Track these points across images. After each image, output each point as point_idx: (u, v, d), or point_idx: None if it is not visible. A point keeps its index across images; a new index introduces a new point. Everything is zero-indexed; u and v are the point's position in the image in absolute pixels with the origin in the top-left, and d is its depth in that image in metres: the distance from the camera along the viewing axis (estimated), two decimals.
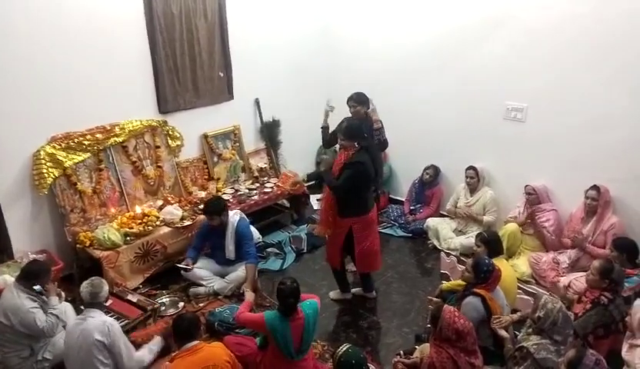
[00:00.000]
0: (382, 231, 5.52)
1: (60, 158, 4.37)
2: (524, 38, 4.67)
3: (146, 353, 3.43)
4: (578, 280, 4.06)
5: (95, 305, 3.21)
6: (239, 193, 5.46)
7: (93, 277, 3.31)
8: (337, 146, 4.41)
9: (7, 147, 4.16)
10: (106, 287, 3.28)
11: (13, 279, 3.76)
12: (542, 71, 4.62)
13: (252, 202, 5.33)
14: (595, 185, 4.33)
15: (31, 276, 3.38)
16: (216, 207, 4.43)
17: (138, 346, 3.48)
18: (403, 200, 5.97)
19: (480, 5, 4.89)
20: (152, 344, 3.50)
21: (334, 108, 4.59)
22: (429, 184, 5.65)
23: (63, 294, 3.73)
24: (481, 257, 3.58)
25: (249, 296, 3.78)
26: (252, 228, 4.77)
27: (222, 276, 4.54)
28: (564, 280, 4.21)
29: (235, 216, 4.56)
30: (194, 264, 4.48)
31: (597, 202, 4.31)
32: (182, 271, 4.46)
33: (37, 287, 3.36)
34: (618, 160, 4.32)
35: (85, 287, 3.23)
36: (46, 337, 3.42)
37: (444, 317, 2.94)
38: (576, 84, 4.44)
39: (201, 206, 4.95)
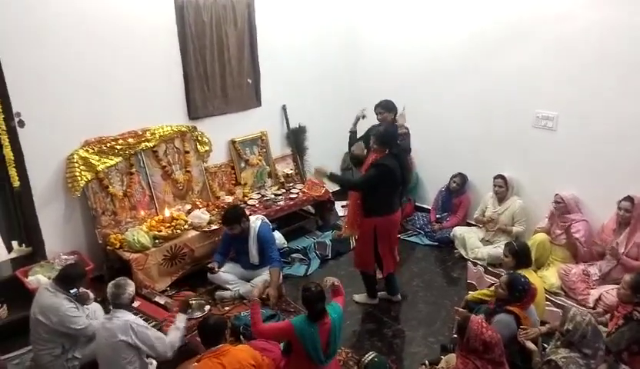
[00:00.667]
0: (408, 238, 5.52)
1: (93, 162, 4.49)
2: (553, 45, 4.59)
3: (175, 334, 3.43)
4: (609, 293, 3.97)
5: (121, 306, 3.27)
6: (265, 198, 5.51)
7: (119, 278, 3.37)
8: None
9: (42, 150, 4.30)
10: (130, 289, 3.29)
11: (46, 279, 3.89)
12: (573, 79, 4.54)
13: (278, 208, 5.37)
14: (628, 196, 4.21)
15: (69, 279, 3.46)
16: (233, 216, 4.46)
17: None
18: (429, 208, 5.92)
19: (509, 12, 4.84)
20: (177, 322, 3.52)
21: (365, 116, 4.67)
22: (456, 193, 5.60)
23: (92, 294, 3.82)
24: (517, 274, 3.48)
25: (256, 292, 3.74)
26: (277, 234, 4.82)
27: (248, 280, 4.58)
28: (594, 293, 4.12)
29: (256, 221, 4.60)
30: (220, 267, 4.53)
31: (630, 213, 4.19)
32: (208, 274, 4.51)
33: (74, 291, 3.46)
34: None
35: (109, 287, 3.29)
36: (84, 337, 3.50)
37: (471, 327, 2.89)
38: (607, 94, 4.35)
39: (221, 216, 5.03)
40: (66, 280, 3.46)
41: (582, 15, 4.34)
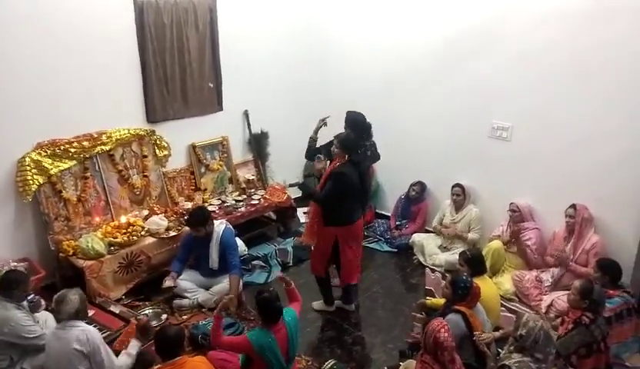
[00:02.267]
0: (368, 245, 5.54)
1: (45, 165, 4.33)
2: (509, 58, 4.76)
3: (125, 359, 3.33)
4: (560, 299, 4.12)
5: (71, 318, 3.15)
6: (226, 204, 5.45)
7: (61, 291, 3.22)
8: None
9: None
10: (72, 304, 3.11)
11: None
12: (527, 91, 4.72)
13: (239, 214, 5.31)
14: (572, 204, 4.42)
15: (10, 285, 3.31)
16: (199, 217, 4.40)
17: (117, 353, 3.40)
18: (389, 215, 6.00)
19: (467, 25, 4.98)
20: (130, 348, 3.40)
21: (326, 124, 4.65)
22: (415, 200, 5.69)
23: (43, 302, 3.68)
24: (460, 274, 3.60)
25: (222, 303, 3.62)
26: (238, 241, 4.75)
27: (207, 288, 4.50)
28: (546, 299, 4.27)
29: (220, 225, 4.54)
30: (178, 276, 4.44)
31: (574, 220, 4.39)
32: (164, 283, 4.37)
33: (30, 297, 3.37)
34: (600, 180, 4.40)
35: (53, 300, 3.18)
36: (34, 347, 3.35)
37: (432, 323, 2.99)
38: (560, 106, 4.54)
39: (187, 217, 4.95)
40: (7, 286, 3.30)
41: (540, 31, 4.51)
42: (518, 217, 4.76)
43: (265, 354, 3.13)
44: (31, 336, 3.29)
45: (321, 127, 4.70)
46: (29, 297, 3.40)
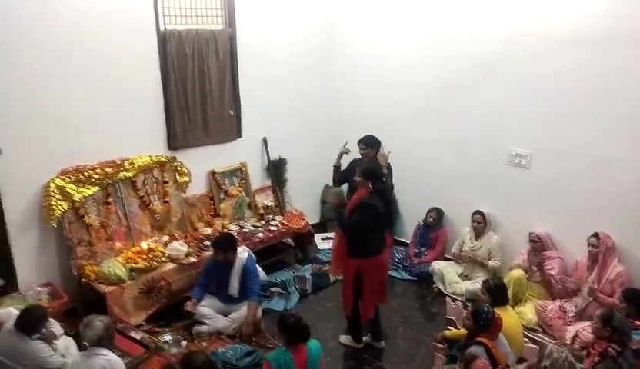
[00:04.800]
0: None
1: (69, 191, 4.39)
2: (525, 84, 4.76)
3: None
4: (585, 330, 4.02)
5: (99, 344, 3.17)
6: (244, 230, 5.47)
7: (91, 315, 3.28)
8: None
9: (18, 179, 4.20)
10: (96, 331, 3.15)
11: (17, 312, 3.74)
12: (544, 117, 4.71)
13: (257, 240, 5.33)
14: (595, 233, 4.36)
15: (31, 325, 3.37)
16: (228, 242, 4.47)
17: None
18: (408, 242, 5.97)
19: (481, 52, 5.01)
20: None
21: (349, 151, 4.74)
22: (433, 227, 5.66)
23: (60, 331, 3.70)
24: (481, 305, 3.55)
25: None
26: (257, 267, 4.76)
27: (226, 314, 4.50)
28: (571, 330, 4.18)
29: (243, 253, 4.57)
30: (199, 302, 4.44)
31: (597, 249, 4.33)
32: (185, 307, 4.39)
33: (44, 331, 3.38)
34: (623, 207, 4.34)
35: (80, 324, 3.23)
36: None
37: (476, 365, 2.95)
38: (578, 132, 4.51)
39: (207, 242, 4.98)
40: (29, 326, 3.36)
41: (556, 57, 4.51)
42: (539, 246, 4.71)
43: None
44: (55, 366, 3.32)
45: (342, 154, 4.82)
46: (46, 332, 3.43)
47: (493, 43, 4.91)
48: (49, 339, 3.46)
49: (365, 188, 3.97)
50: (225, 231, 5.20)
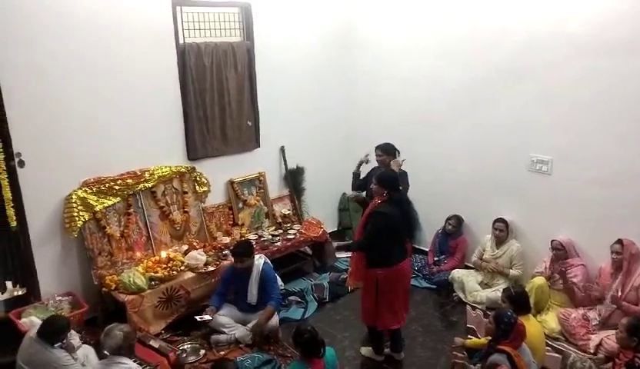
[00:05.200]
0: None
1: (91, 202, 4.48)
2: (548, 90, 4.70)
3: None
4: (610, 339, 3.93)
5: (118, 352, 3.21)
6: (262, 239, 5.50)
7: (113, 324, 3.34)
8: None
9: (41, 190, 4.30)
10: (115, 339, 3.22)
11: (40, 321, 3.82)
12: (566, 123, 4.63)
13: (275, 248, 5.34)
14: (619, 239, 4.25)
15: (54, 334, 3.42)
16: (247, 249, 4.49)
17: None
18: (427, 250, 5.92)
19: (502, 58, 4.96)
20: None
21: (369, 161, 4.81)
22: (453, 235, 5.60)
23: (78, 342, 3.74)
24: (504, 309, 3.50)
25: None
26: (276, 275, 4.77)
27: (244, 323, 4.51)
28: (595, 338, 4.08)
29: (259, 259, 4.59)
30: (217, 310, 4.47)
31: (621, 256, 4.21)
32: (198, 318, 4.38)
33: (65, 341, 3.43)
34: None
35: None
36: None
37: None
38: (601, 136, 4.42)
39: (226, 252, 5.02)
40: (51, 335, 3.41)
41: (578, 62, 4.45)
42: (562, 254, 4.61)
43: None
44: None
45: (362, 163, 4.88)
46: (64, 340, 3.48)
47: (514, 48, 4.85)
48: (69, 350, 3.51)
49: (379, 196, 3.93)
50: (243, 238, 5.22)
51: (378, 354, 4.27)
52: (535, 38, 4.69)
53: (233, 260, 4.52)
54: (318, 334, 3.32)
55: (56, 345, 3.41)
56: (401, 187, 4.14)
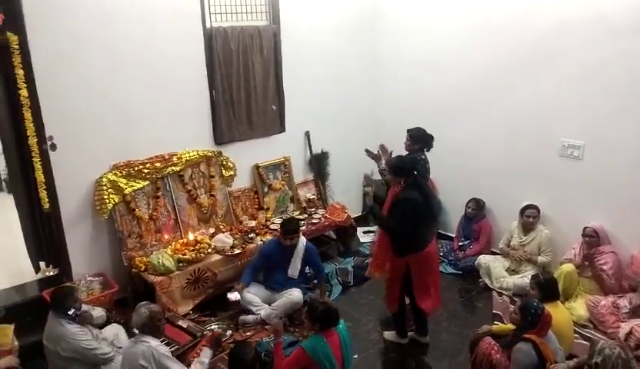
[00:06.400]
0: None
1: (121, 185, 4.57)
2: (578, 73, 4.59)
3: (197, 366, 3.42)
4: None
5: (144, 330, 3.28)
6: None
7: (144, 302, 3.41)
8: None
9: (72, 173, 4.39)
10: (140, 317, 3.26)
11: None
12: (599, 108, 4.51)
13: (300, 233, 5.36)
14: None
15: (59, 302, 3.45)
16: (296, 226, 4.67)
17: (189, 365, 3.49)
18: (452, 236, 5.88)
19: (533, 39, 4.85)
20: (202, 356, 3.48)
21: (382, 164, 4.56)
22: (475, 218, 5.56)
23: (99, 312, 3.83)
24: (531, 299, 3.45)
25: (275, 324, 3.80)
26: None
27: (269, 303, 4.57)
28: (625, 327, 4.01)
29: (302, 236, 4.75)
30: (246, 287, 4.54)
31: None
32: (228, 295, 4.43)
33: (72, 312, 3.45)
34: None
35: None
36: (102, 363, 3.48)
37: (481, 346, 2.89)
38: (634, 122, 4.31)
39: (252, 235, 5.11)
40: (58, 304, 3.45)
41: (611, 43, 4.32)
42: (594, 241, 4.50)
43: (319, 357, 3.23)
44: (90, 348, 3.41)
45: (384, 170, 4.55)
46: (70, 312, 3.47)
47: (544, 29, 4.74)
48: (85, 319, 3.54)
49: (397, 185, 3.89)
50: (289, 216, 5.39)
51: (401, 337, 4.29)
52: (566, 19, 4.57)
53: (283, 237, 4.58)
54: (331, 305, 3.44)
55: (69, 316, 3.41)
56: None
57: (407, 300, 4.28)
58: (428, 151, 4.57)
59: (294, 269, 4.66)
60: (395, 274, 4.05)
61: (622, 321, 4.09)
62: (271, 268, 4.73)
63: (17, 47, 3.89)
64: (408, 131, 4.60)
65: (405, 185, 3.85)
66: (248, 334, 4.35)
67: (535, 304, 3.33)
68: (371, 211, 4.17)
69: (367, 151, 4.66)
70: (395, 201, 3.88)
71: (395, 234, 3.92)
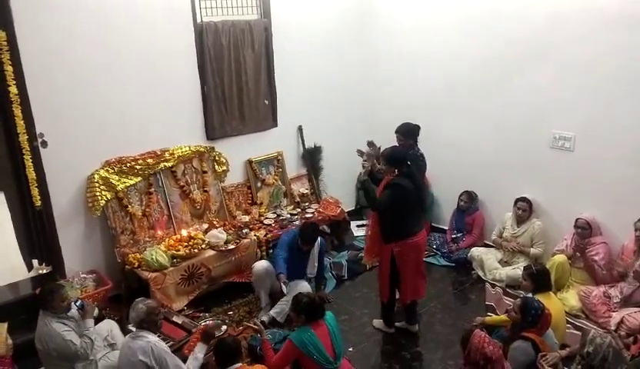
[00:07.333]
0: (425, 259, 5.41)
1: (113, 182, 4.55)
2: (570, 66, 4.60)
3: (194, 364, 3.42)
4: (632, 316, 3.90)
5: (142, 326, 3.28)
6: (281, 218, 5.53)
7: (140, 298, 3.41)
8: None
9: (64, 170, 4.37)
10: (138, 313, 3.26)
11: None
12: (588, 99, 4.54)
13: (294, 227, 5.37)
14: None
15: (46, 297, 3.43)
16: (316, 234, 4.57)
17: (184, 359, 3.49)
18: (445, 228, 5.90)
19: (525, 33, 4.86)
20: (196, 351, 3.49)
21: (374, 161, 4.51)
22: (467, 211, 5.59)
23: (96, 309, 3.83)
24: (530, 298, 3.47)
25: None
26: None
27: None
28: (616, 316, 4.05)
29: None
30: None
31: None
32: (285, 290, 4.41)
33: (79, 303, 3.50)
34: None
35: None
36: (81, 360, 3.45)
37: (473, 340, 2.92)
38: (623, 113, 4.34)
39: (245, 230, 5.10)
40: (43, 299, 3.44)
41: (602, 37, 4.34)
42: (587, 233, 4.53)
43: (308, 348, 3.28)
44: (74, 349, 3.36)
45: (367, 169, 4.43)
46: (77, 304, 3.52)
47: (536, 22, 4.75)
48: (88, 311, 3.55)
49: (390, 174, 3.95)
50: (307, 221, 5.21)
51: (388, 327, 4.35)
52: (559, 12, 4.58)
53: (301, 242, 4.49)
54: (315, 298, 3.50)
55: (54, 313, 3.40)
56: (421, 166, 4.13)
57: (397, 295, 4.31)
58: (416, 143, 4.65)
59: (312, 268, 4.67)
60: (384, 261, 4.12)
61: (613, 311, 4.13)
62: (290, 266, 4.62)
63: (5, 43, 3.85)
64: (397, 131, 4.67)
65: (397, 174, 3.92)
66: (241, 328, 4.36)
67: (536, 304, 3.34)
68: (363, 185, 4.17)
69: (359, 151, 4.65)
70: (386, 185, 3.94)
71: (381, 213, 3.98)
